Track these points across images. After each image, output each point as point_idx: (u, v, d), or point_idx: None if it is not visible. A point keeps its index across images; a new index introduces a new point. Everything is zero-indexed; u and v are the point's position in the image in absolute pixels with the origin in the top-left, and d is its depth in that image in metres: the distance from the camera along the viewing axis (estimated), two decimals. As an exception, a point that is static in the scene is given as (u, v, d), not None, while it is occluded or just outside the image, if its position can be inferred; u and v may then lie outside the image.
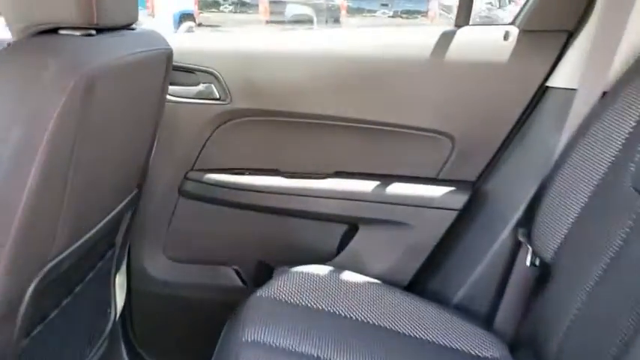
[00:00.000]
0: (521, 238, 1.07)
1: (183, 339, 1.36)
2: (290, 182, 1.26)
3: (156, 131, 1.11)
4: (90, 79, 0.73)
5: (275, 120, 1.25)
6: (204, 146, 1.26)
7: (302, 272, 1.12)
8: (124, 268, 1.25)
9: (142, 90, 0.95)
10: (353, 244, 1.28)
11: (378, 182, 1.25)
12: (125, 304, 1.30)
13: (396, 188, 1.25)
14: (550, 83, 1.15)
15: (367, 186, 1.25)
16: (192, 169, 1.28)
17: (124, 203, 1.05)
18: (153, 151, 1.14)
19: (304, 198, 1.25)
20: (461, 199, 1.22)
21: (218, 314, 1.10)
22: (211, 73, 1.21)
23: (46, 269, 0.79)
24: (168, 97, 1.21)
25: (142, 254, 1.31)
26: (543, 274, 1.01)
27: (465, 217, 1.22)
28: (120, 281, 1.23)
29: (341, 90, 1.21)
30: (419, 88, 1.20)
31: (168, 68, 1.05)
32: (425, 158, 1.26)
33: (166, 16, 7.54)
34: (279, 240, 1.31)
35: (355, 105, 1.22)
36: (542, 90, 1.16)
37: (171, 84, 1.23)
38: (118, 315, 1.21)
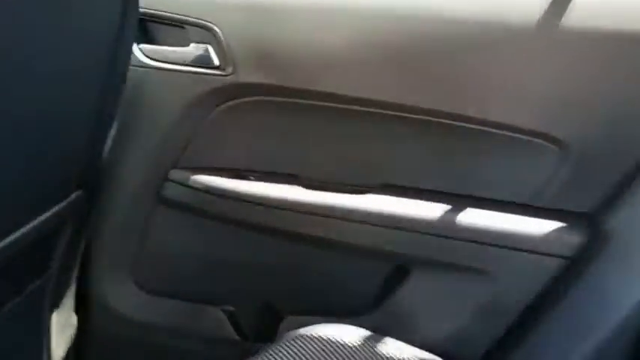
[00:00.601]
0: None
1: None
2: (313, 195, 0.88)
3: (113, 105, 0.73)
4: None
5: (298, 103, 0.87)
6: (193, 134, 0.88)
7: (321, 336, 0.74)
8: (68, 301, 0.88)
9: (69, 32, 0.58)
10: (400, 296, 0.89)
11: (445, 206, 0.87)
12: (76, 348, 0.94)
13: (473, 217, 0.86)
14: None
15: (428, 210, 0.86)
16: (175, 167, 0.90)
17: (51, 212, 0.68)
18: (110, 136, 0.76)
19: (332, 220, 0.88)
20: (571, 241, 0.83)
21: None
22: (208, 29, 0.84)
23: None
24: (141, 59, 0.84)
25: (103, 281, 0.95)
26: None
27: (575, 268, 0.83)
28: (61, 321, 0.86)
29: (399, 65, 0.83)
30: (519, 68, 0.82)
31: (130, 9, 0.67)
32: (519, 174, 0.86)
33: None
34: (293, 277, 0.93)
35: (418, 88, 0.84)
36: None
37: (149, 41, 0.85)
38: (53, 370, 0.85)
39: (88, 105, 0.68)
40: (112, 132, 0.77)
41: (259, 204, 0.88)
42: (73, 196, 0.74)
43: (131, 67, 0.84)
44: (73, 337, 0.92)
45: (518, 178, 0.86)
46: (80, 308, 0.94)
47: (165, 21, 0.85)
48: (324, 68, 0.84)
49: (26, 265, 0.74)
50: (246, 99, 0.86)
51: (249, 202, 0.89)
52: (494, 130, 0.83)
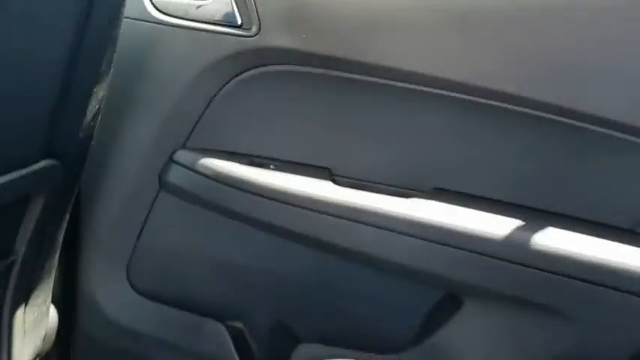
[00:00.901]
0: None
1: None
2: (347, 195, 0.71)
3: (96, 64, 0.57)
4: None
5: (336, 76, 0.69)
6: (206, 108, 0.72)
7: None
8: (42, 295, 0.74)
9: None
10: (448, 332, 0.70)
11: (518, 222, 0.68)
12: (57, 349, 0.79)
13: (556, 240, 0.66)
14: None
15: (495, 225, 0.67)
16: (183, 147, 0.73)
17: (6, 178, 0.54)
18: (94, 102, 0.60)
19: (369, 228, 0.69)
20: None
21: None
22: None
23: None
24: (150, 11, 0.69)
25: (92, 277, 0.80)
26: None
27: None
28: (31, 318, 0.72)
29: (473, 34, 0.65)
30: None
31: None
32: (626, 189, 0.66)
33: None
34: (316, 295, 0.76)
35: (498, 66, 0.65)
36: None
37: None
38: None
39: (54, 57, 0.53)
40: (99, 97, 0.62)
41: (279, 200, 0.71)
42: (40, 165, 0.59)
43: (136, 21, 0.69)
44: (50, 336, 0.78)
45: (625, 196, 0.65)
46: (64, 305, 0.80)
47: (181, -35, 0.70)
48: (371, 33, 0.66)
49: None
50: (272, 67, 0.69)
51: (267, 197, 0.71)
52: (598, 129, 0.63)
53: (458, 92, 0.66)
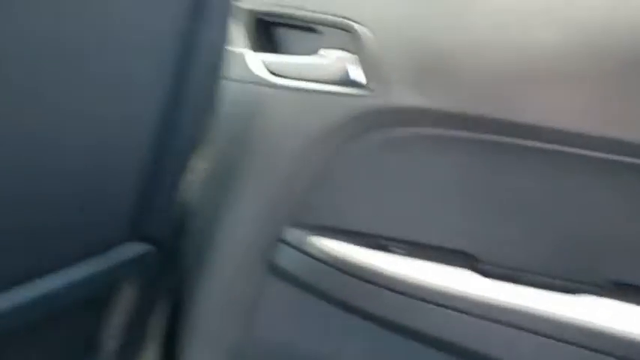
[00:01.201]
0: None
1: None
2: (497, 290, 0.57)
3: (188, 136, 0.50)
4: None
5: (480, 139, 0.56)
6: (321, 179, 0.62)
7: None
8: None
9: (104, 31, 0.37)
10: None
11: None
12: None
13: None
14: None
15: None
16: (293, 224, 0.63)
17: (88, 264, 0.48)
18: (192, 170, 0.53)
19: (527, 335, 0.54)
20: None
21: None
22: (350, 32, 0.58)
23: None
24: (257, 72, 0.61)
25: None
26: None
27: None
28: None
29: None
30: None
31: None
32: None
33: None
34: None
35: None
36: None
37: (265, 48, 0.63)
38: None
39: (142, 125, 0.45)
40: (198, 169, 0.54)
41: (409, 295, 0.58)
42: (130, 248, 0.51)
43: (241, 84, 0.62)
44: None
45: None
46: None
47: (294, 21, 0.62)
48: (519, 87, 0.53)
49: (67, 338, 0.53)
50: (399, 130, 0.58)
51: (394, 289, 0.58)
52: None
53: (632, 156, 0.51)
